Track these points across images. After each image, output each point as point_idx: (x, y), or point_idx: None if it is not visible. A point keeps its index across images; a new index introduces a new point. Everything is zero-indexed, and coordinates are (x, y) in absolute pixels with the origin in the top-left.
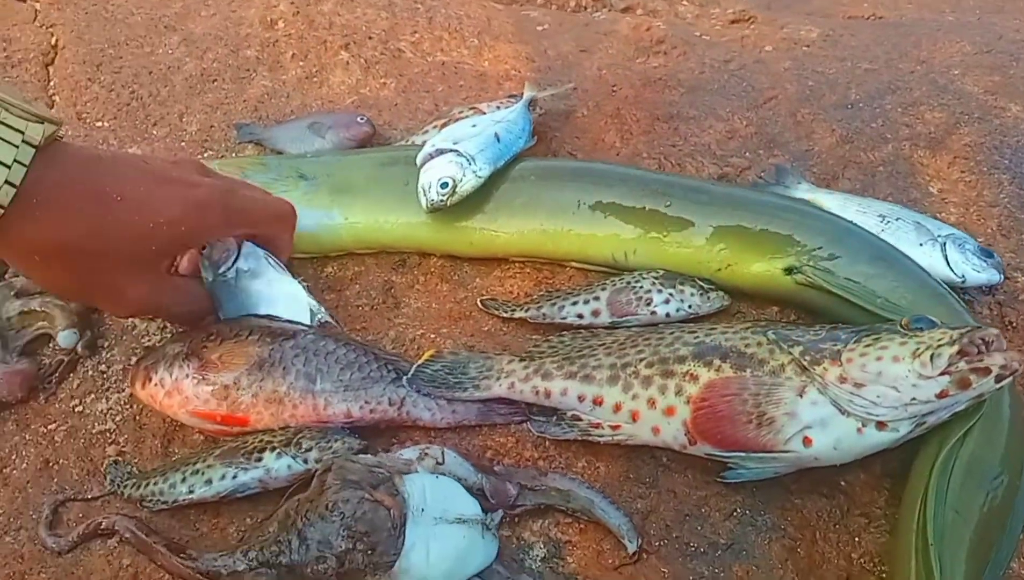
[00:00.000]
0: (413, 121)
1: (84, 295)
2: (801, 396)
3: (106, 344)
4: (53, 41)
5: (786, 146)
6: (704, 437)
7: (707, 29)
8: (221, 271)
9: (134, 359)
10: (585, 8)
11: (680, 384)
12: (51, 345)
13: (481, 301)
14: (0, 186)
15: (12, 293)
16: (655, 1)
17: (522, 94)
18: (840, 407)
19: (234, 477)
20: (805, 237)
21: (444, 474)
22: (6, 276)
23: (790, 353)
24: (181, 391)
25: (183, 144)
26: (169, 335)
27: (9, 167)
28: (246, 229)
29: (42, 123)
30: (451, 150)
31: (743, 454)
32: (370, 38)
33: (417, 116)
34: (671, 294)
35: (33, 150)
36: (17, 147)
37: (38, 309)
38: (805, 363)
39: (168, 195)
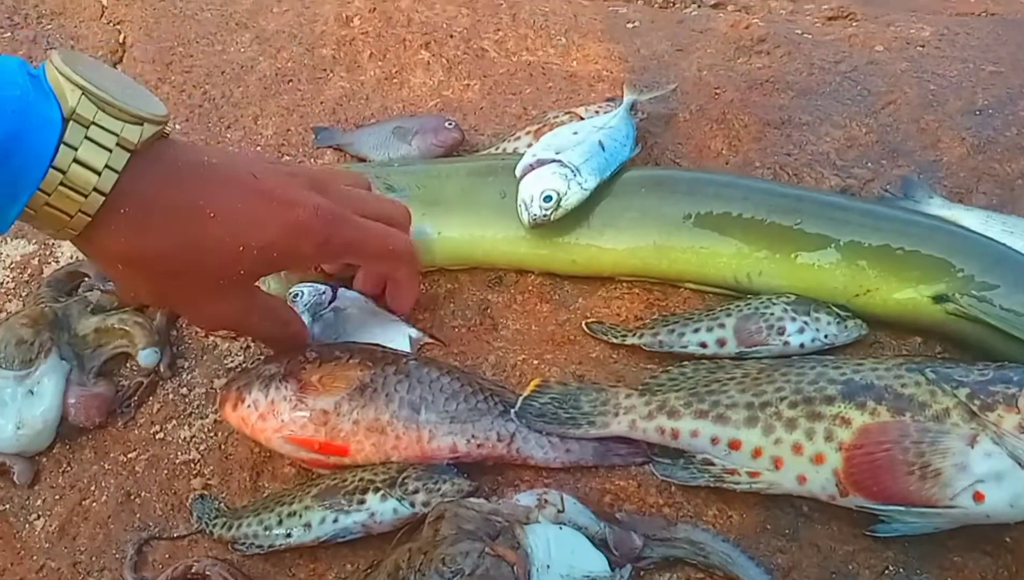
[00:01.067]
0: (501, 125)
1: (166, 304)
2: (972, 446)
3: (186, 365)
4: (121, 39)
5: (911, 156)
6: (858, 488)
7: (807, 27)
8: (317, 313)
9: (216, 381)
10: (673, 4)
11: (830, 428)
12: (128, 365)
13: (587, 324)
14: (88, 194)
15: (88, 309)
16: None
17: (620, 97)
18: (1019, 460)
19: (335, 521)
20: (958, 262)
21: (565, 523)
22: (79, 290)
23: (955, 395)
24: (277, 414)
25: (258, 148)
26: (255, 355)
27: (99, 173)
28: (351, 259)
29: (141, 124)
30: (553, 160)
31: (902, 508)
32: (451, 36)
33: (504, 120)
34: (805, 322)
35: (128, 154)
36: (111, 151)
37: (116, 326)
38: (974, 408)
39: (266, 216)
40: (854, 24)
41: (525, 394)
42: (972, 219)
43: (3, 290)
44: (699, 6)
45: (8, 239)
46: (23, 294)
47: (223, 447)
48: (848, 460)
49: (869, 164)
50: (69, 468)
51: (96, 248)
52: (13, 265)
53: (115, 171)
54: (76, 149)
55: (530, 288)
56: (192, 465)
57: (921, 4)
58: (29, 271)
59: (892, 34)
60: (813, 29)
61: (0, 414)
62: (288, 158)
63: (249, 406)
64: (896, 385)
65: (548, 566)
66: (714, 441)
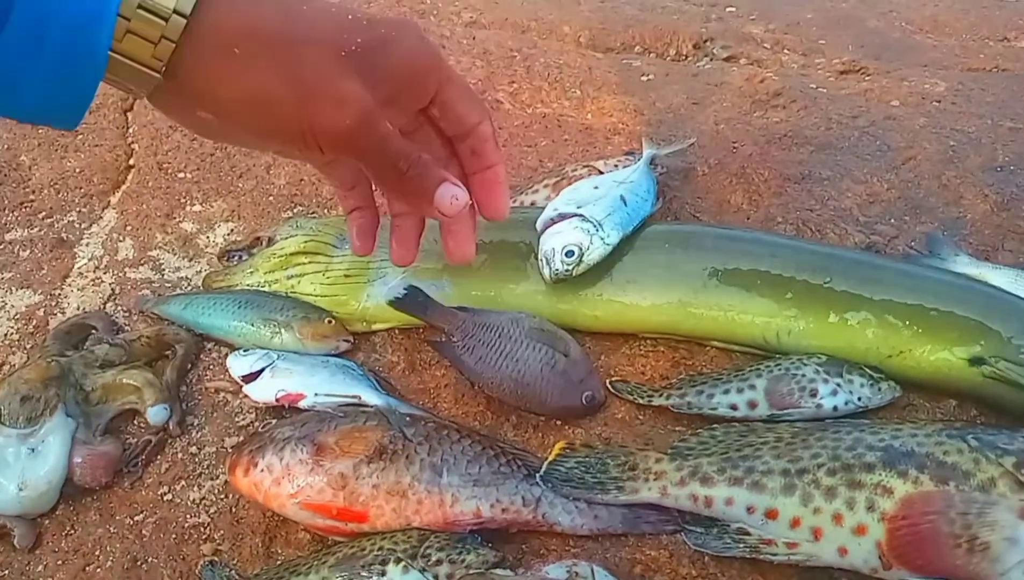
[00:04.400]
0: (516, 178)
1: (298, 104)
2: (1022, 518)
3: (196, 422)
4: None
5: (934, 213)
6: (902, 561)
7: (821, 80)
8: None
9: (228, 440)
10: (686, 57)
11: (871, 498)
12: (136, 422)
13: (611, 383)
14: (168, 17)
15: (95, 363)
16: (758, 51)
17: (637, 150)
18: None
19: None
20: (995, 323)
21: None
22: (87, 343)
23: (1000, 464)
24: (292, 479)
25: (271, 198)
26: (267, 415)
27: None
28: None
29: None
30: (575, 215)
31: None
32: None
33: (520, 172)
34: (838, 384)
35: None
36: None
37: (125, 382)
38: (1022, 478)
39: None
40: (867, 79)
41: (550, 458)
42: (1001, 278)
43: (7, 342)
44: (711, 59)
45: (13, 289)
46: (27, 346)
47: (234, 510)
48: (891, 532)
49: (892, 220)
50: (73, 531)
51: (187, 91)
52: (18, 316)
53: None
54: None
55: None
56: (202, 529)
57: (931, 59)
58: (34, 322)
59: (907, 89)
60: (827, 83)
61: (1, 474)
62: (300, 209)
63: (263, 470)
64: (938, 452)
65: None
66: (750, 510)
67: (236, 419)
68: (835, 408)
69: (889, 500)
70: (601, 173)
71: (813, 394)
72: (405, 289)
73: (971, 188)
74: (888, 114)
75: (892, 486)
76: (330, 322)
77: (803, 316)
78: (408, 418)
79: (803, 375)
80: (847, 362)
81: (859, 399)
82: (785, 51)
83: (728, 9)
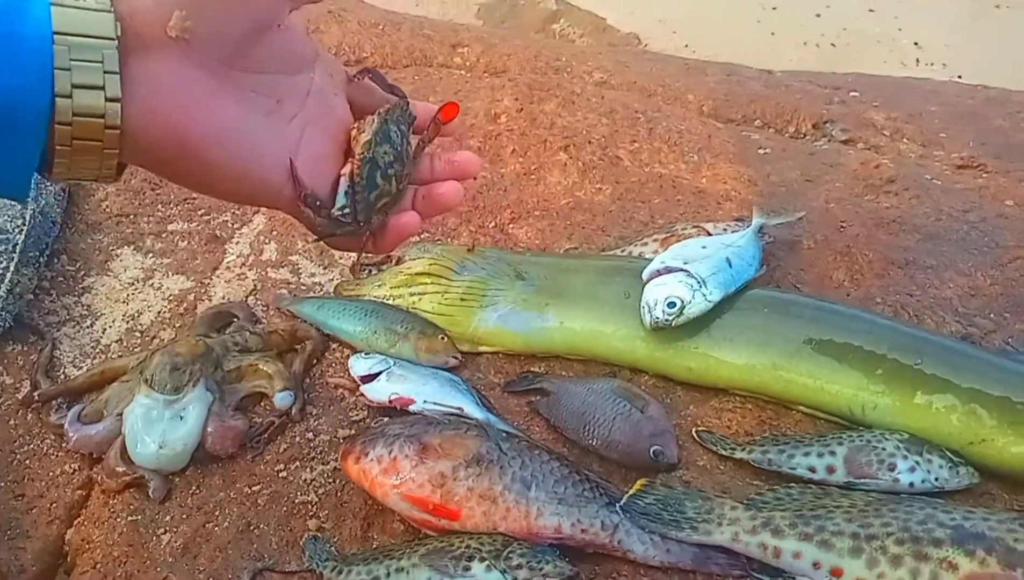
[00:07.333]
0: (627, 229)
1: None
2: None
3: (314, 412)
4: None
5: None
6: None
7: (937, 172)
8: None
9: (341, 431)
10: (804, 135)
11: (936, 571)
12: (263, 404)
13: (696, 432)
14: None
15: (236, 347)
16: (876, 137)
17: (747, 217)
18: None
19: None
20: None
21: None
22: (229, 329)
23: None
24: (398, 471)
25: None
26: (378, 413)
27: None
28: None
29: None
30: (681, 269)
31: None
32: (589, 142)
33: (631, 225)
34: (917, 462)
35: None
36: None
37: (260, 367)
38: None
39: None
40: (984, 176)
41: (632, 491)
42: None
43: (160, 319)
44: (829, 140)
45: (169, 273)
46: (176, 325)
47: (339, 494)
48: None
49: (992, 315)
50: (198, 491)
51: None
52: (171, 297)
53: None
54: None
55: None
56: (309, 506)
57: None
58: (185, 305)
59: None
60: (942, 176)
61: (146, 432)
62: (427, 235)
63: (372, 460)
64: (1009, 538)
65: None
66: (816, 565)
67: (350, 414)
68: (911, 484)
69: (953, 575)
70: (710, 234)
71: (891, 468)
72: (519, 375)
73: None
74: (1001, 212)
75: (958, 563)
76: (443, 339)
77: (890, 393)
78: (504, 434)
79: (883, 449)
80: (929, 443)
81: (936, 479)
82: (904, 140)
83: (852, 93)
